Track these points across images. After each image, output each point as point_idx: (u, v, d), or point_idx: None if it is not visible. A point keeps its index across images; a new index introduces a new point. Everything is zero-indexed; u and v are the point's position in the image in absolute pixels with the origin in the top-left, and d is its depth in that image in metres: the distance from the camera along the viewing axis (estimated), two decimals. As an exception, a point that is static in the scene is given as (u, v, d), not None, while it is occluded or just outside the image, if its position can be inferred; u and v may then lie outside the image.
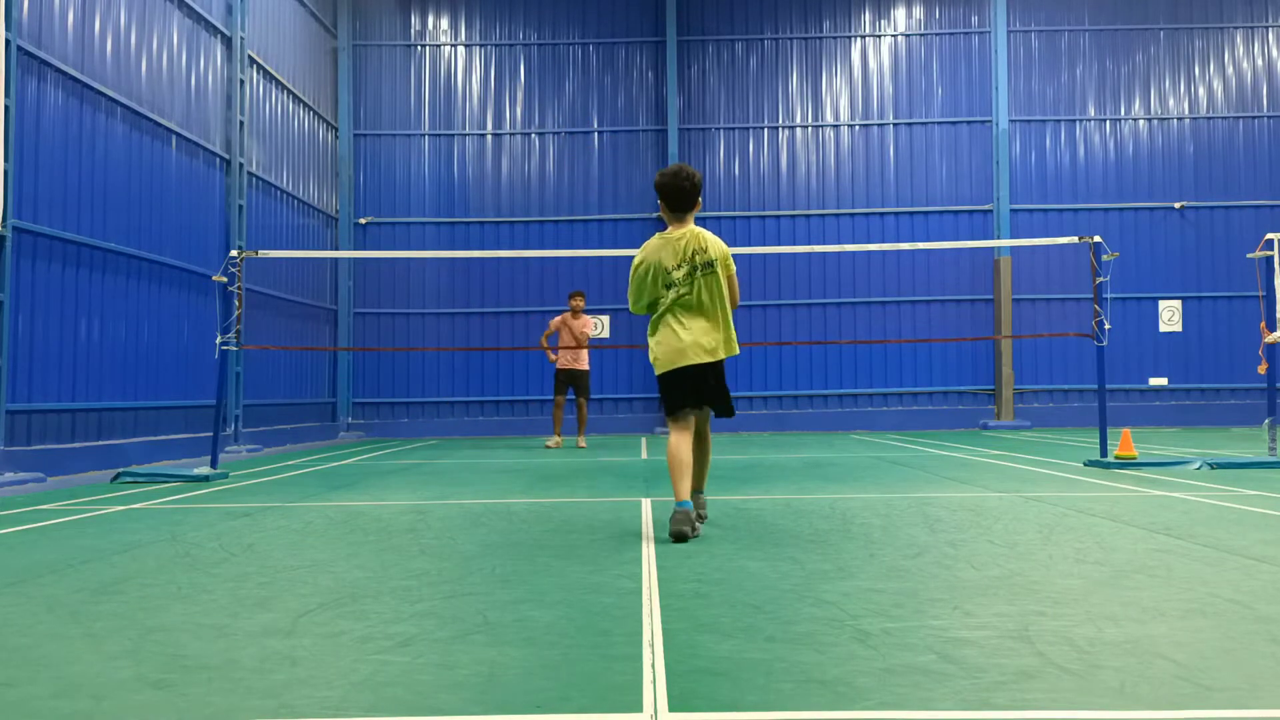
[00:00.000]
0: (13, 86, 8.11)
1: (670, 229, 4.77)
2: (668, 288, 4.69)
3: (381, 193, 17.63)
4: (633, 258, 4.90)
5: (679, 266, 4.67)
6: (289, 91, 14.92)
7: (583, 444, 12.65)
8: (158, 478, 7.95)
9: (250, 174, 13.22)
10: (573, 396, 12.75)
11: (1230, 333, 17.11)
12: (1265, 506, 5.46)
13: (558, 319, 12.73)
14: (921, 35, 17.78)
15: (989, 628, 2.72)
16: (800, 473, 8.15)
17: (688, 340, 4.65)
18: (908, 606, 3.00)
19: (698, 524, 4.66)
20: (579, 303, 12.56)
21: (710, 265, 4.67)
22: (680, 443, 4.72)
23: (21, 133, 8.34)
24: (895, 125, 17.62)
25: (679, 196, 4.74)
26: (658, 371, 4.78)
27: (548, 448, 12.37)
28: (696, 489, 4.89)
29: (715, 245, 4.74)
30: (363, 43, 17.74)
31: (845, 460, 9.62)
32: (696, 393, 4.73)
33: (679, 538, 4.39)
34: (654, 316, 4.81)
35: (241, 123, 12.84)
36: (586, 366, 12.65)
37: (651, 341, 4.81)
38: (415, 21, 17.89)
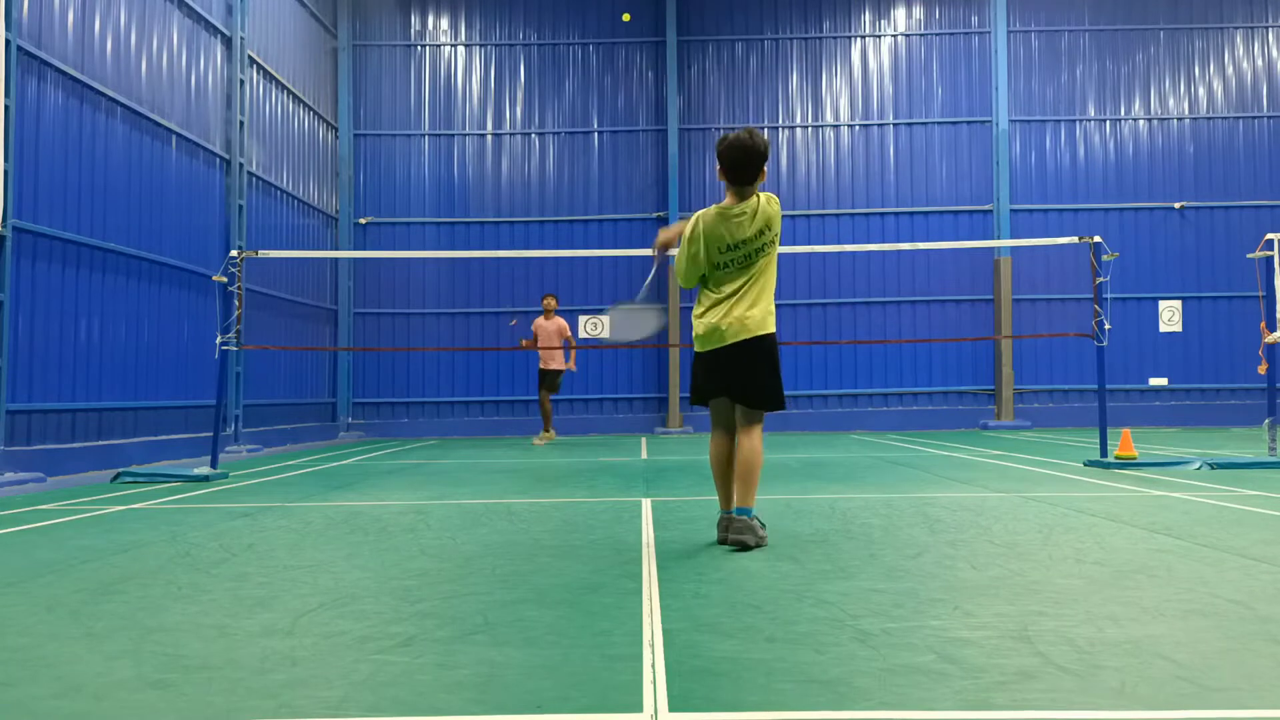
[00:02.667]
0: (13, 86, 8.11)
1: (728, 201, 4.24)
2: (719, 267, 4.20)
3: (381, 193, 17.64)
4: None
5: (736, 247, 4.16)
6: (289, 91, 14.92)
7: (539, 441, 13.08)
8: (158, 478, 7.95)
9: (250, 174, 13.22)
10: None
11: (1230, 333, 17.11)
12: (1265, 506, 5.46)
13: (535, 321, 13.39)
14: (921, 35, 17.79)
15: (989, 628, 2.72)
16: (800, 473, 8.15)
17: (729, 320, 4.17)
18: (908, 606, 3.00)
19: (762, 534, 4.16)
20: (549, 303, 13.15)
21: (771, 245, 4.21)
22: (712, 440, 4.38)
23: (21, 133, 8.34)
24: (895, 125, 17.63)
25: (741, 167, 4.18)
26: (696, 349, 4.33)
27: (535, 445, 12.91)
28: (741, 503, 4.15)
29: (777, 219, 4.23)
30: (363, 43, 17.74)
31: (845, 460, 9.62)
32: (726, 378, 4.22)
33: (735, 545, 4.12)
34: (701, 291, 4.32)
35: (241, 123, 12.84)
36: (558, 366, 13.20)
37: (695, 319, 4.33)
38: (415, 21, 17.89)
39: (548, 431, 13.34)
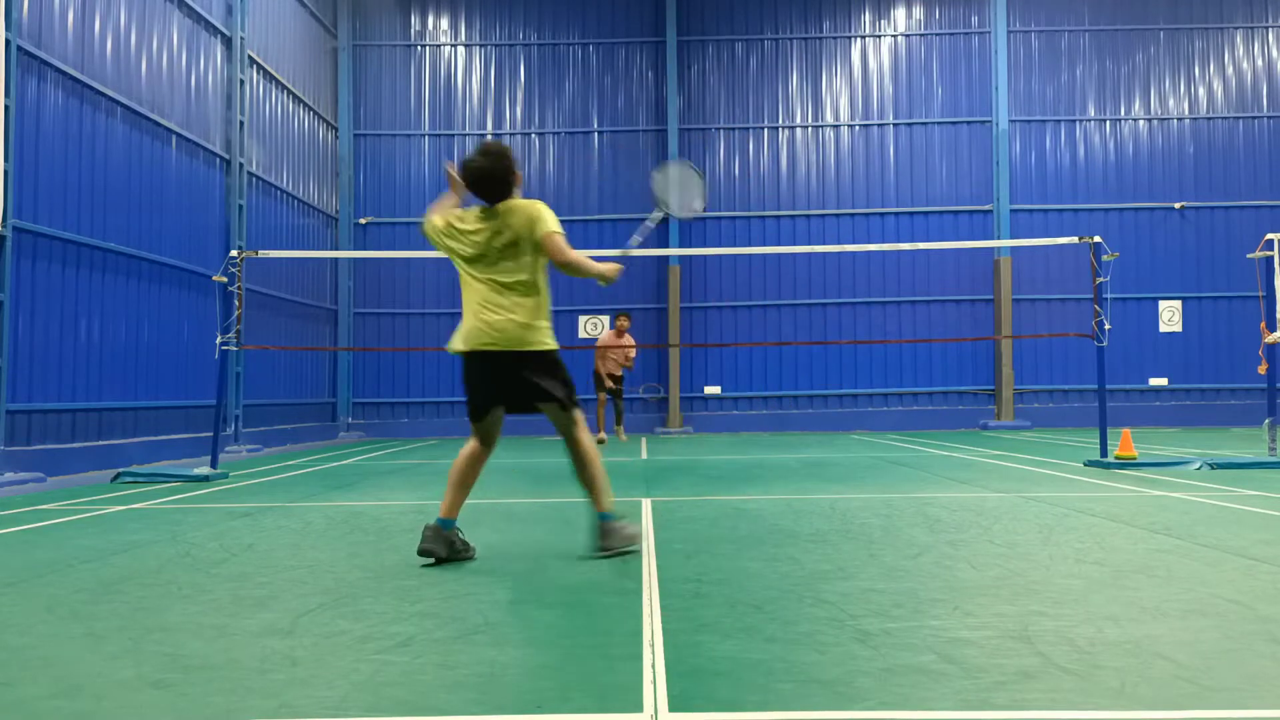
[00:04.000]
0: (13, 86, 8.11)
1: (478, 208, 4.07)
2: (466, 259, 4.00)
3: (381, 193, 17.64)
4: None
5: (477, 233, 3.98)
6: (289, 91, 14.92)
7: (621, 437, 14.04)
8: (158, 478, 7.95)
9: (250, 174, 13.22)
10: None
11: (1230, 333, 17.11)
12: (1265, 506, 5.46)
13: (606, 335, 14.23)
14: (921, 35, 17.78)
15: (989, 628, 2.72)
16: (800, 473, 8.15)
17: (500, 328, 3.93)
18: (908, 606, 3.00)
19: (631, 533, 4.08)
20: (622, 323, 13.75)
21: (515, 243, 3.94)
22: (469, 445, 4.11)
23: (21, 133, 8.34)
24: (895, 125, 17.62)
25: (489, 189, 4.00)
26: (461, 350, 4.03)
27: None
28: (601, 508, 4.04)
29: (521, 212, 3.95)
30: (363, 43, 17.74)
31: (845, 460, 9.62)
32: (508, 389, 4.02)
33: (425, 554, 3.85)
34: (463, 293, 4.07)
35: (241, 123, 12.84)
36: (611, 371, 13.83)
37: (462, 325, 4.08)
38: (415, 21, 17.89)
39: (603, 431, 13.86)
